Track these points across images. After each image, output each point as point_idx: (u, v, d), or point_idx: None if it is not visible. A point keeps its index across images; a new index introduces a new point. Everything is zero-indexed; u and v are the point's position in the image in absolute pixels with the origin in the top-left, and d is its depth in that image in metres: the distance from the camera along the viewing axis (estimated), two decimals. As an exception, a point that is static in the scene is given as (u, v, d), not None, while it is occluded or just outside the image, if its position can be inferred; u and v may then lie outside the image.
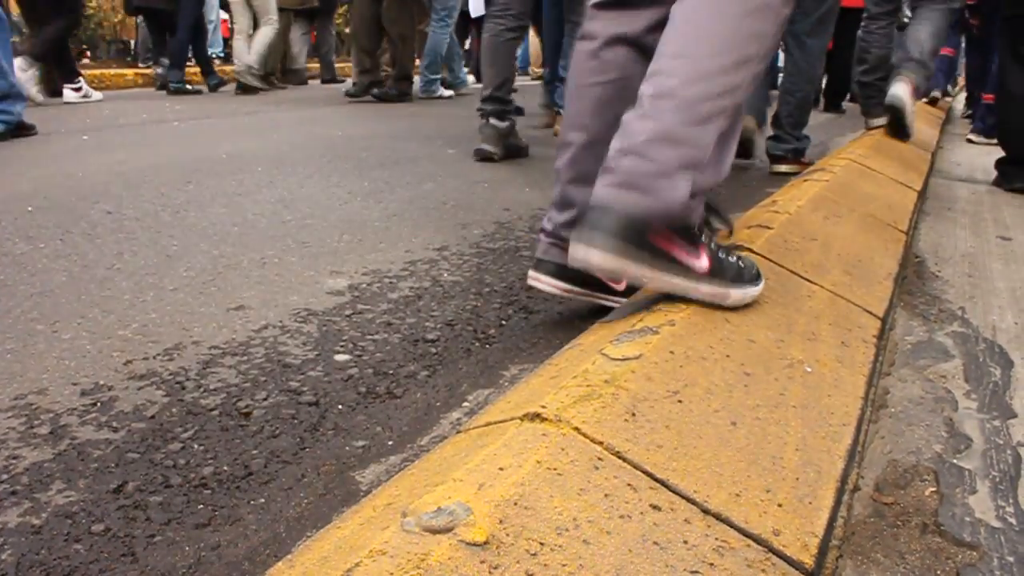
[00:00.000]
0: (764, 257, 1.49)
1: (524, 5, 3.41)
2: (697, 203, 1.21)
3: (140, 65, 9.83)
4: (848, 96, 7.58)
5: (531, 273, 1.54)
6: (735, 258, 1.27)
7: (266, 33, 7.26)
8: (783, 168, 3.56)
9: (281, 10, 7.58)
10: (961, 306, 1.82)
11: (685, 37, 1.20)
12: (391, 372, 1.34)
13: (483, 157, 3.51)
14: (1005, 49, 3.32)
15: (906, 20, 4.82)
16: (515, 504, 0.66)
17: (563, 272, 1.49)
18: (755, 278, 1.29)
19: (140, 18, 9.51)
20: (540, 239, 1.55)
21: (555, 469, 0.73)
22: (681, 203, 1.16)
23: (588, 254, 1.12)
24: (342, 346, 1.43)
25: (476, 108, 3.61)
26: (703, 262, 1.21)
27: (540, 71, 6.62)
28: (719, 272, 1.22)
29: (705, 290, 1.21)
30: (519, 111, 4.50)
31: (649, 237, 1.14)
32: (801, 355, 1.18)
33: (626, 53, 1.41)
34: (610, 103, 1.41)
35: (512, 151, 3.58)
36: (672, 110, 1.16)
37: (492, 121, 3.50)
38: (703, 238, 1.22)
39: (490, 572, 0.59)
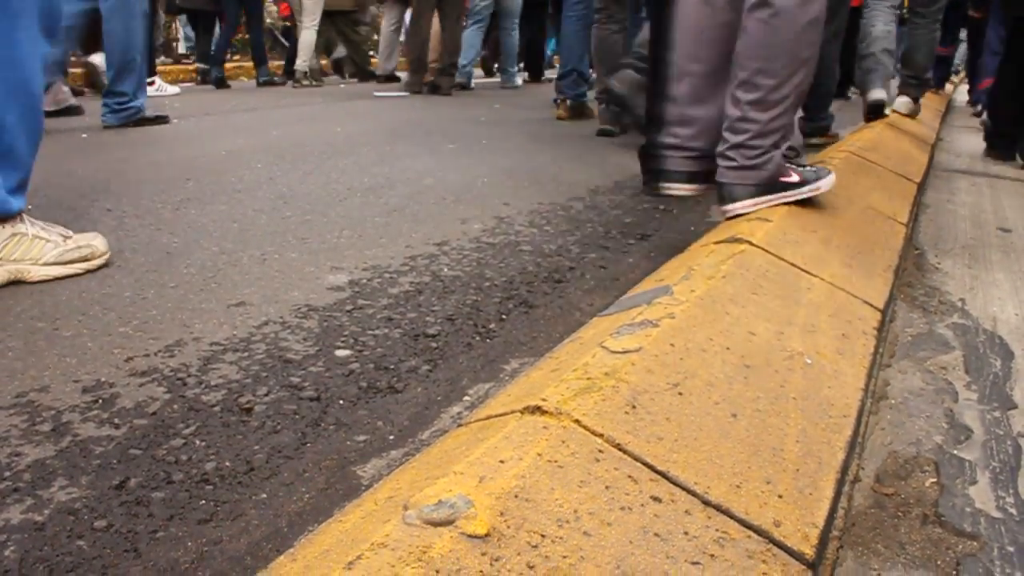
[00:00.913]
0: (763, 250, 1.49)
1: (623, 11, 4.16)
2: (782, 157, 1.93)
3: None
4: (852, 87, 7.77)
5: (663, 185, 2.04)
6: (811, 167, 1.99)
7: (306, 37, 8.04)
8: (815, 140, 4.04)
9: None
10: (961, 297, 1.82)
11: (762, 50, 1.83)
12: (392, 367, 1.34)
13: (604, 134, 4.21)
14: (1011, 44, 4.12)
15: (904, 15, 4.98)
16: (516, 496, 0.67)
17: (693, 177, 2.03)
18: (828, 173, 1.98)
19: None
20: (664, 154, 2.03)
21: (556, 461, 0.73)
22: (778, 166, 1.90)
23: (735, 207, 1.91)
24: (343, 341, 1.43)
25: (596, 96, 4.41)
26: (795, 178, 1.93)
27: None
28: (806, 179, 1.93)
29: (805, 192, 1.93)
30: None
31: (765, 183, 1.90)
32: (801, 347, 1.18)
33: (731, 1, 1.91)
34: (721, 42, 1.93)
35: (628, 128, 4.11)
36: (763, 112, 1.85)
37: (611, 106, 3.97)
38: (791, 164, 1.95)
39: (491, 564, 0.59)
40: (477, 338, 1.47)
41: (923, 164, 3.51)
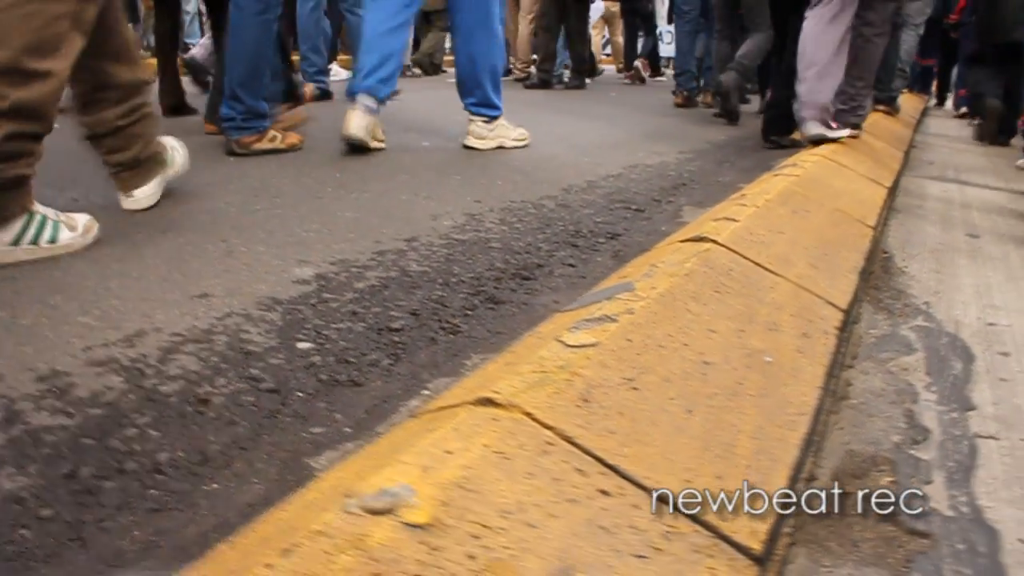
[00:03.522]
0: (728, 249, 1.49)
1: (732, 29, 5.29)
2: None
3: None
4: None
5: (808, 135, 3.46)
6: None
7: None
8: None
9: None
10: (926, 301, 1.84)
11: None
12: (354, 360, 1.33)
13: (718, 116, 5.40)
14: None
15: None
16: (460, 487, 0.66)
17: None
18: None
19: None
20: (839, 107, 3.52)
21: (503, 453, 0.72)
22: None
23: (820, 135, 3.43)
24: (305, 334, 1.42)
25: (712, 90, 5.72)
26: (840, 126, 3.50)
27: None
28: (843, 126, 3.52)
29: (844, 133, 3.49)
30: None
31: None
32: (761, 345, 1.18)
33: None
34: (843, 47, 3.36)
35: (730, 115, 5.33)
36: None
37: (718, 97, 5.28)
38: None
39: (430, 553, 0.59)
40: (441, 333, 1.46)
41: (894, 169, 3.55)
